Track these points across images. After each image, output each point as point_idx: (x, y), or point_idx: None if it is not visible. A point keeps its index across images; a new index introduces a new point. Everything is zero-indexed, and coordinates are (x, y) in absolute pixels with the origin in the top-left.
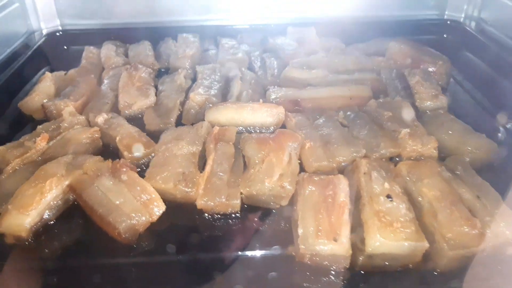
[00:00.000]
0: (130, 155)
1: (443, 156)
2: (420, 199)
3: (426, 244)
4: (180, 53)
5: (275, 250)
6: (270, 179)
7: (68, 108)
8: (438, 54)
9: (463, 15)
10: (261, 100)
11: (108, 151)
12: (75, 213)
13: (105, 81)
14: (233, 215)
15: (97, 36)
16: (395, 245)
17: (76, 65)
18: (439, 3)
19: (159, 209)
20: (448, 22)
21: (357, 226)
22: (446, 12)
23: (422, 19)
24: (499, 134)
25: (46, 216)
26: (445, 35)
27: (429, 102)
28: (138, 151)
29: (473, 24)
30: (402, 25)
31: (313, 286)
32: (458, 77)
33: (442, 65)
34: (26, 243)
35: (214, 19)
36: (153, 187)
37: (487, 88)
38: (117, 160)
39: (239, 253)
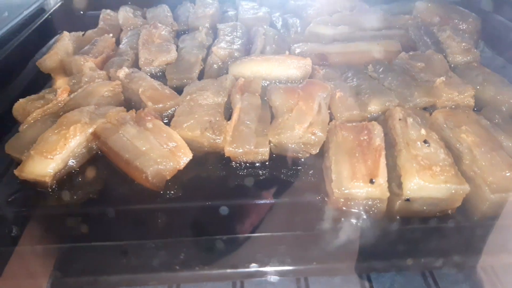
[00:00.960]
0: (154, 106)
1: (477, 110)
2: (459, 145)
3: (467, 187)
4: (200, 13)
5: (308, 197)
6: (300, 126)
7: (88, 63)
8: (467, 12)
9: None
10: (287, 52)
11: (129, 105)
12: (99, 162)
13: (124, 40)
14: (261, 164)
15: (113, 1)
16: (434, 188)
17: (93, 29)
18: None
19: (186, 156)
20: None
21: (393, 174)
22: None
23: None
24: None
25: (70, 163)
26: None
27: (461, 56)
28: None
29: None
30: None
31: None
32: (486, 36)
33: (472, 22)
34: (50, 190)
35: None
36: (180, 135)
37: None
38: (141, 109)
39: (268, 200)
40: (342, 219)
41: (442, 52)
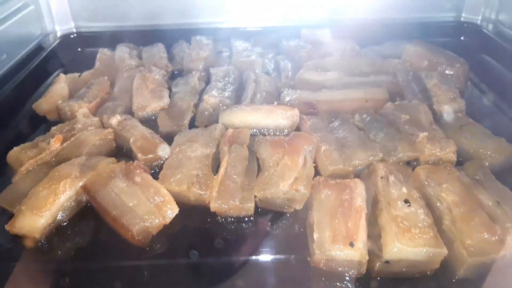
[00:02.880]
0: (143, 157)
1: (461, 161)
2: (439, 204)
3: (445, 251)
4: (194, 55)
5: (289, 255)
6: (285, 182)
7: (82, 109)
8: (455, 57)
9: (480, 17)
10: (275, 102)
11: (121, 153)
12: (87, 215)
13: (119, 83)
14: (247, 219)
15: (111, 39)
16: (413, 251)
17: (90, 67)
18: (456, 5)
19: (172, 211)
20: (465, 25)
21: (374, 231)
22: (463, 14)
23: (438, 21)
24: None
25: (59, 217)
26: (462, 38)
27: (447, 106)
28: (163, 150)
29: (490, 26)
30: (418, 27)
31: None
32: (475, 80)
33: (459, 67)
34: (39, 244)
35: (227, 21)
36: (167, 189)
37: (505, 91)
38: (131, 162)
39: (252, 257)
40: (323, 278)
41: (429, 100)
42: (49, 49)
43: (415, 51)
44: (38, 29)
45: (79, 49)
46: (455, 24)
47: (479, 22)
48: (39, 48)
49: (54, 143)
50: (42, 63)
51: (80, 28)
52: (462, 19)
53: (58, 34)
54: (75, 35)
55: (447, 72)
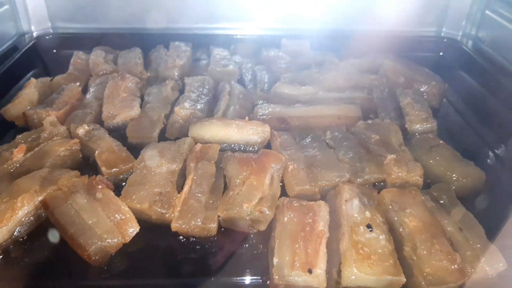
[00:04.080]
0: (107, 171)
1: (429, 183)
2: (401, 229)
3: (403, 279)
4: (170, 63)
5: (250, 277)
6: (249, 204)
7: (49, 117)
8: (432, 74)
9: (460, 33)
10: (247, 118)
11: (88, 164)
12: (47, 230)
13: (91, 89)
14: (209, 238)
15: (89, 41)
16: (371, 279)
17: (65, 68)
18: (437, 19)
19: (133, 229)
20: (445, 40)
21: (335, 255)
22: (444, 29)
23: (419, 35)
24: (488, 160)
25: (16, 232)
26: (441, 53)
27: (418, 125)
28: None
29: (470, 43)
30: (398, 40)
31: None
32: (451, 96)
33: (435, 85)
34: None
35: (209, 28)
36: (128, 206)
37: (479, 110)
38: (94, 176)
39: (212, 279)
40: None
41: (402, 118)
42: (23, 50)
43: (392, 67)
44: (13, 29)
45: (55, 51)
46: (436, 39)
47: (459, 38)
48: (13, 48)
49: (17, 153)
50: (16, 64)
51: (57, 29)
52: (442, 34)
53: (34, 35)
54: (51, 36)
55: (422, 89)
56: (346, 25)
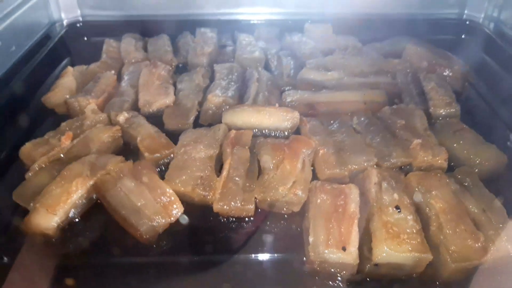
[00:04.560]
0: (150, 156)
1: (453, 165)
2: (428, 210)
3: (430, 256)
4: (198, 50)
5: (286, 254)
6: (284, 187)
7: (90, 105)
8: (454, 58)
9: (482, 15)
10: (277, 104)
11: (128, 149)
12: (97, 211)
13: (125, 77)
14: (247, 219)
15: (117, 28)
16: (400, 256)
17: (96, 55)
18: (459, 1)
19: (177, 210)
20: (467, 23)
21: (365, 234)
22: (466, 11)
23: (441, 18)
24: (510, 144)
25: (71, 214)
26: (463, 36)
27: (442, 110)
28: (183, 220)
29: (491, 25)
30: (420, 23)
31: None
32: (473, 80)
33: (457, 69)
34: (53, 240)
35: (232, 13)
36: (172, 189)
37: (502, 93)
38: (138, 161)
39: (252, 255)
40: (317, 278)
41: (426, 103)
42: (56, 39)
43: (415, 51)
44: (45, 17)
45: (85, 38)
46: (457, 22)
47: (481, 20)
48: (46, 37)
49: (65, 141)
50: (50, 53)
51: (86, 17)
52: (464, 16)
53: (65, 23)
54: (81, 24)
55: (445, 73)
56: (368, 9)
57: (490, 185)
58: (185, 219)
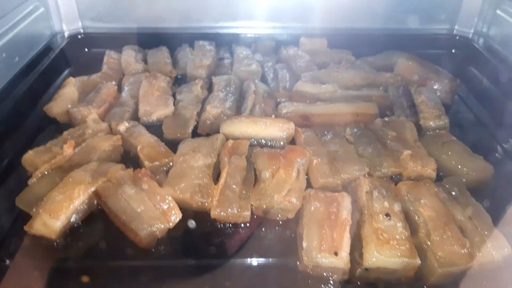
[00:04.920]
0: (150, 164)
1: (441, 175)
2: (417, 218)
3: (418, 261)
4: (197, 63)
5: (281, 259)
6: (279, 194)
7: (92, 115)
8: (445, 72)
9: (472, 31)
10: (273, 116)
11: (129, 157)
12: (98, 217)
13: (126, 88)
14: (243, 225)
15: (117, 40)
16: (390, 261)
17: (97, 67)
18: (450, 17)
19: (176, 217)
20: (457, 38)
21: (356, 240)
22: (456, 27)
23: (432, 33)
24: (497, 155)
25: (73, 219)
26: (453, 50)
27: (432, 122)
28: (191, 224)
29: (481, 40)
30: (412, 38)
31: None
32: (463, 93)
33: (447, 83)
34: (55, 244)
35: (230, 26)
36: (171, 196)
37: (490, 106)
38: (139, 169)
39: (247, 260)
40: (310, 281)
41: (416, 115)
42: (58, 50)
43: (406, 65)
44: (48, 29)
45: (86, 50)
46: (448, 37)
47: (470, 35)
48: (48, 48)
49: (67, 149)
50: (52, 63)
51: (87, 29)
52: (454, 31)
53: (66, 34)
54: (83, 35)
55: (435, 87)
56: (361, 24)
57: (477, 195)
58: (192, 224)
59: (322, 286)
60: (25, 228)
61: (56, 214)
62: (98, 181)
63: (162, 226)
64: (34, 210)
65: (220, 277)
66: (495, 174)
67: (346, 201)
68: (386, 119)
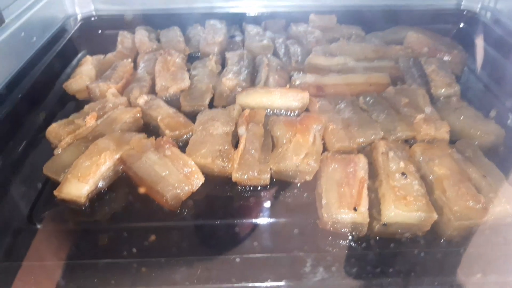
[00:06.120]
0: (171, 133)
1: (454, 140)
2: (431, 177)
3: (435, 215)
4: (210, 40)
5: (300, 218)
6: (298, 157)
7: (111, 90)
8: (454, 44)
9: (479, 5)
10: (287, 86)
11: (148, 129)
12: (123, 183)
13: (141, 65)
14: (263, 188)
15: (129, 21)
16: (407, 215)
17: (110, 48)
18: None
19: (199, 180)
20: (465, 12)
21: (374, 200)
22: (463, 2)
23: (440, 8)
24: (508, 121)
25: (100, 184)
26: (461, 25)
27: (443, 90)
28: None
29: (488, 14)
30: (420, 14)
31: (334, 249)
32: (472, 65)
33: (457, 54)
34: (83, 208)
35: (239, 5)
36: (193, 162)
37: (499, 77)
38: (160, 137)
39: (269, 220)
40: (330, 237)
41: (427, 84)
42: (72, 32)
43: (416, 38)
44: (61, 12)
45: (99, 31)
46: (455, 12)
47: (478, 10)
48: (62, 30)
49: (90, 120)
50: (67, 45)
51: (99, 11)
52: (462, 7)
53: (79, 17)
54: (96, 18)
55: (445, 58)
56: (369, 0)
57: (489, 157)
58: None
59: (341, 241)
60: (55, 192)
61: (84, 178)
62: (123, 148)
63: (187, 188)
64: (61, 176)
65: (242, 236)
66: (505, 140)
67: (362, 162)
68: (398, 87)
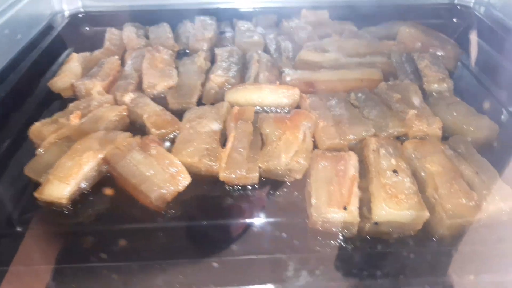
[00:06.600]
0: (157, 132)
1: (447, 136)
2: (423, 174)
3: (427, 214)
4: (199, 36)
5: (289, 218)
6: (287, 155)
7: (96, 87)
8: (447, 39)
9: (473, 0)
10: (278, 82)
11: (134, 127)
12: (107, 183)
13: (129, 62)
14: (251, 187)
15: (117, 18)
16: (399, 214)
17: (98, 45)
18: None
19: (185, 180)
20: (458, 7)
21: (364, 198)
22: None
23: (433, 3)
24: (502, 116)
25: (82, 185)
26: (454, 20)
27: (436, 85)
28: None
29: (482, 9)
30: (413, 9)
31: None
32: (465, 60)
33: (450, 49)
34: (65, 210)
35: (229, 1)
36: (180, 161)
37: (492, 72)
38: (146, 136)
39: (257, 220)
40: (319, 237)
41: (420, 80)
42: (59, 28)
43: (409, 33)
44: (48, 9)
45: (87, 28)
46: (449, 6)
47: (471, 5)
48: (49, 27)
49: (74, 119)
50: (54, 41)
51: (87, 8)
52: (455, 1)
53: (66, 14)
54: (83, 14)
55: (438, 53)
56: None
57: (482, 153)
58: None
59: (332, 241)
60: (35, 194)
61: (65, 179)
62: (107, 148)
63: (172, 188)
64: (43, 178)
65: (229, 237)
66: (499, 136)
67: (353, 159)
68: (391, 83)
